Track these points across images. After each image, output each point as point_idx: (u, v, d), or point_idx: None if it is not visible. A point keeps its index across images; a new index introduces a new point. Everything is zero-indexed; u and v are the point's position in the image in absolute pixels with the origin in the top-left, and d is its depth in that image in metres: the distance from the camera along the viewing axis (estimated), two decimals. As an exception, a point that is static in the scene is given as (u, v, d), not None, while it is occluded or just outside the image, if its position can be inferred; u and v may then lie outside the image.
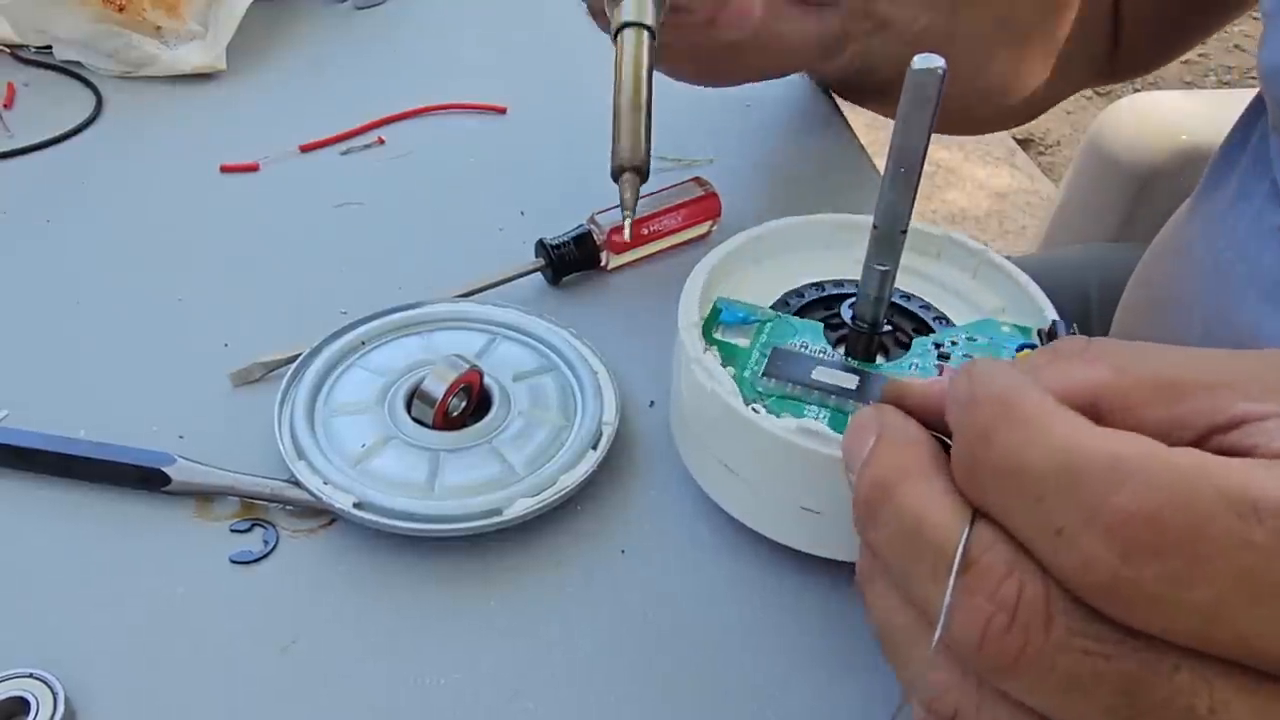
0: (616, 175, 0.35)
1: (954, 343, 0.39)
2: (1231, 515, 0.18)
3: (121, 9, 0.63)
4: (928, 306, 0.41)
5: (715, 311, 0.39)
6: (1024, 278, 0.41)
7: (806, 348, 0.38)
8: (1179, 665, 0.19)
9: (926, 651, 0.21)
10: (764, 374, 0.37)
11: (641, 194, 0.50)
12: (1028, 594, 0.19)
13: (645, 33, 0.37)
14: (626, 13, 0.37)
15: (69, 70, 0.65)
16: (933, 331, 0.40)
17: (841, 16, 0.47)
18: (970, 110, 0.58)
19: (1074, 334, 0.38)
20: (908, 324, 0.40)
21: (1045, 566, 0.20)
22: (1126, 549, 0.18)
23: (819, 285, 0.42)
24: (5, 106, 0.62)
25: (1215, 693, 0.19)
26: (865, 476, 0.23)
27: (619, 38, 0.37)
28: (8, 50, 0.66)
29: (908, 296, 0.41)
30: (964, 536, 0.20)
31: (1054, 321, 0.38)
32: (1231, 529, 0.18)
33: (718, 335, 0.39)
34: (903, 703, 0.23)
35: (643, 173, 0.34)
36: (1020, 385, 0.21)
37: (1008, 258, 0.43)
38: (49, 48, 0.66)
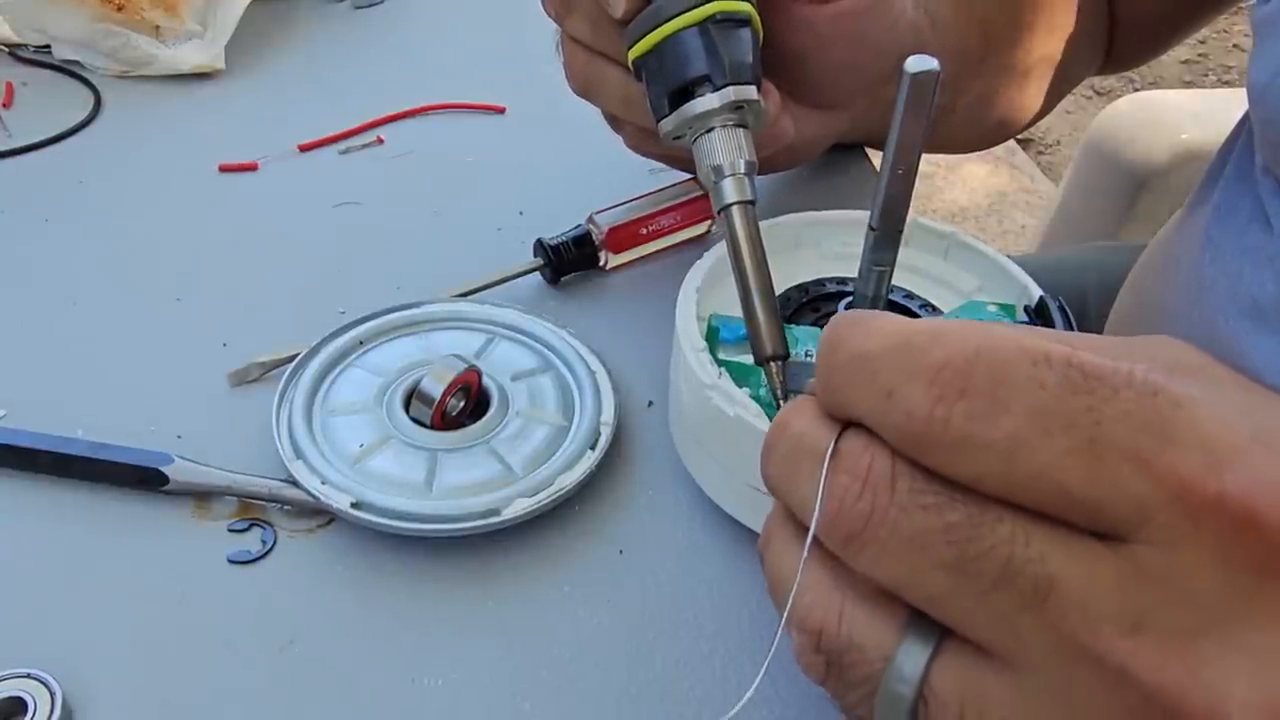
0: (761, 364, 0.36)
1: None
2: (1027, 363, 0.20)
3: (120, 8, 0.63)
4: (911, 295, 0.41)
5: (713, 330, 0.39)
6: (996, 255, 0.42)
7: (810, 354, 0.38)
8: (1002, 518, 0.21)
9: (800, 573, 0.23)
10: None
11: (639, 194, 0.50)
12: (877, 464, 0.22)
13: (751, 208, 0.37)
14: (729, 194, 0.37)
15: (67, 69, 0.65)
16: None
17: (850, 114, 0.49)
18: (969, 141, 0.59)
19: (1062, 308, 0.38)
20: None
21: (881, 432, 0.22)
22: (939, 394, 0.21)
23: (802, 288, 0.41)
24: (4, 106, 0.62)
25: (1033, 543, 0.20)
26: (771, 427, 0.25)
27: (726, 216, 0.37)
28: (6, 49, 0.67)
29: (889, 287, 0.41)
30: (834, 437, 0.23)
31: (1041, 297, 0.38)
32: (1027, 373, 0.20)
33: (721, 355, 0.38)
34: (777, 639, 0.24)
35: (787, 357, 0.35)
36: (871, 311, 0.24)
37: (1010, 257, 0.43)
38: (47, 47, 0.66)
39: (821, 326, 0.39)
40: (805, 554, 0.23)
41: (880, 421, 0.22)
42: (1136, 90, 1.81)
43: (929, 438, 0.21)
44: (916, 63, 0.29)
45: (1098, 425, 0.20)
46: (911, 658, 0.22)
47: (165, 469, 0.38)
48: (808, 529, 0.23)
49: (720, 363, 0.37)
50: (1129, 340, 0.23)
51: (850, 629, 0.23)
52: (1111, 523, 0.20)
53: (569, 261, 0.49)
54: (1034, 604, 0.20)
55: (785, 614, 0.24)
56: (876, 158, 0.50)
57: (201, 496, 0.39)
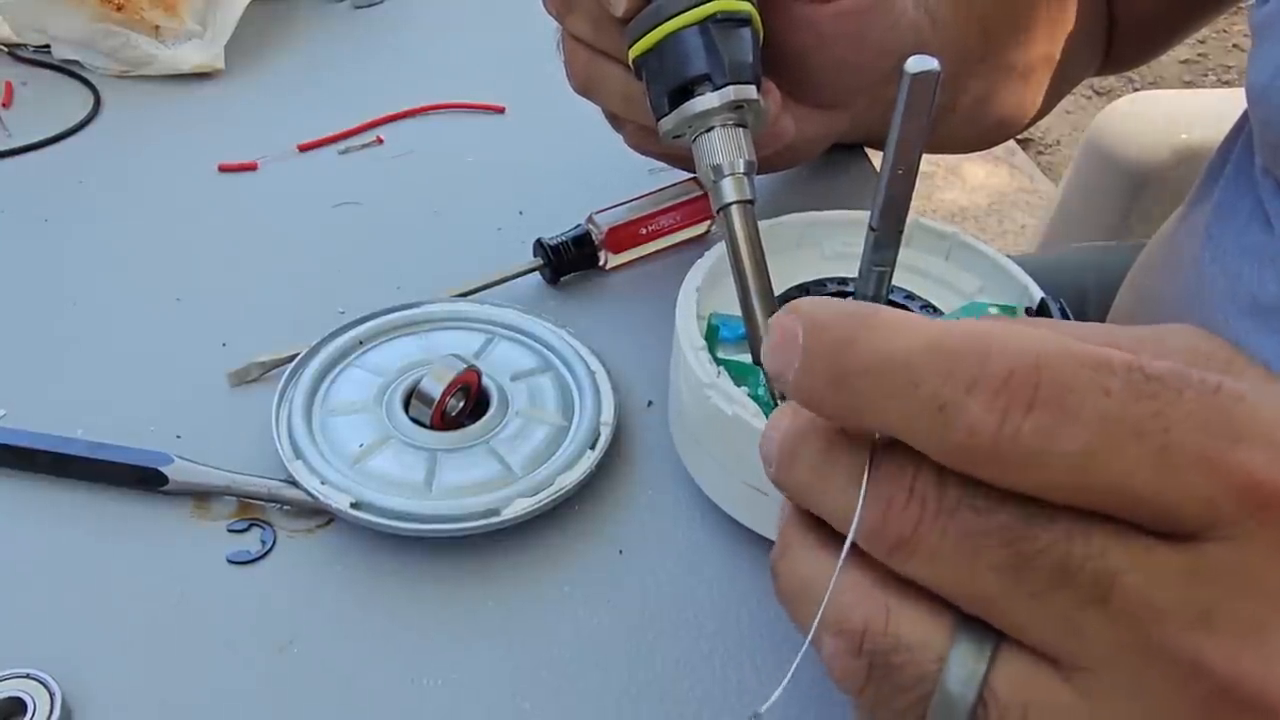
0: (760, 363, 0.36)
1: None
2: (1089, 371, 0.20)
3: (120, 8, 0.63)
4: (911, 296, 0.41)
5: (713, 329, 0.39)
6: (997, 255, 0.42)
7: None
8: (1055, 516, 0.20)
9: (836, 575, 0.23)
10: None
11: (639, 194, 0.50)
12: (923, 473, 0.21)
13: (750, 207, 0.37)
14: (729, 194, 0.37)
15: (67, 69, 0.65)
16: None
17: (850, 113, 0.49)
18: (969, 141, 0.59)
19: (1063, 309, 0.38)
20: None
21: (926, 444, 0.21)
22: (1006, 407, 0.20)
23: (803, 289, 0.41)
24: (3, 105, 0.62)
25: (1093, 540, 0.20)
26: (783, 432, 0.24)
27: (725, 215, 0.37)
28: (6, 49, 0.66)
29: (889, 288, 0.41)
30: (869, 442, 0.22)
31: (1042, 299, 0.38)
32: (1092, 381, 0.20)
33: (721, 354, 0.38)
34: (804, 649, 0.24)
35: None
36: (864, 304, 0.22)
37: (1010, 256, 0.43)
38: (47, 47, 0.66)
39: None
40: (843, 557, 0.22)
41: (928, 433, 0.21)
42: (1136, 90, 1.81)
43: (995, 453, 0.20)
44: (916, 63, 0.29)
45: (1167, 432, 0.19)
46: (969, 659, 0.21)
47: (165, 469, 0.38)
48: (836, 534, 0.22)
49: (719, 361, 0.37)
50: (1156, 331, 0.23)
51: (899, 627, 0.22)
52: (1179, 523, 0.20)
53: (569, 261, 0.49)
54: (1095, 601, 0.20)
55: (816, 618, 0.23)
56: (876, 158, 0.50)
57: (201, 496, 0.39)
